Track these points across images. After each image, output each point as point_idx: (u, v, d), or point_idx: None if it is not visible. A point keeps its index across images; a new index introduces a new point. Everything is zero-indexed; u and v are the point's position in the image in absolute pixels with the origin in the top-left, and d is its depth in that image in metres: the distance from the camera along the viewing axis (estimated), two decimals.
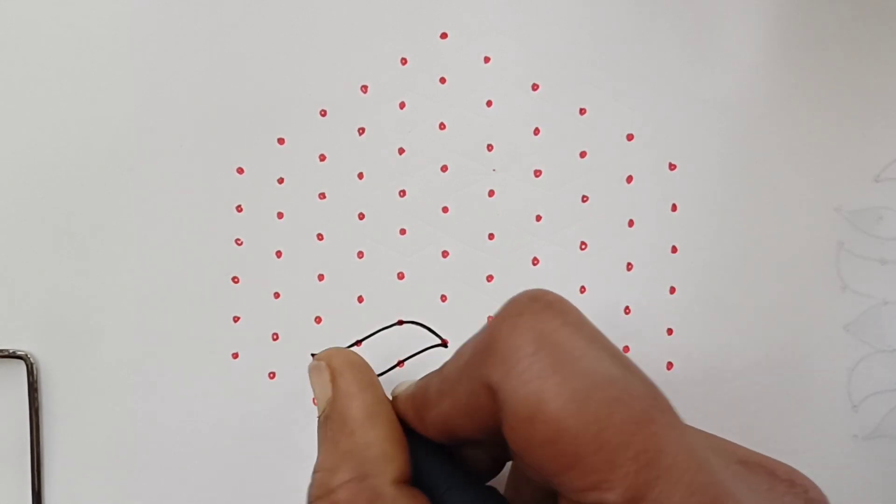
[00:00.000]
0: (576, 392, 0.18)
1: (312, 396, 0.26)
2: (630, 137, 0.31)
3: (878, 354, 0.30)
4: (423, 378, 0.23)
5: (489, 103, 0.31)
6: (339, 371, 0.24)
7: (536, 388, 0.18)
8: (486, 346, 0.20)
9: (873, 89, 0.30)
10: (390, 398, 0.24)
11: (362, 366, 0.24)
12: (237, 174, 0.31)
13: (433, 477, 0.22)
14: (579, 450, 0.17)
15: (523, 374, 0.18)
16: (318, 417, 0.24)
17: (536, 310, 0.20)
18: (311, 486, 0.22)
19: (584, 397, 0.18)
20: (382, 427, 0.22)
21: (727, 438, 0.22)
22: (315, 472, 0.22)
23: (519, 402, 0.18)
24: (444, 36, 0.31)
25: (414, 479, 0.22)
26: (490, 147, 0.31)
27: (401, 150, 0.31)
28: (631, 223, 0.31)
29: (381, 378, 0.31)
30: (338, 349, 0.25)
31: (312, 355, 0.25)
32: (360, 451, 0.22)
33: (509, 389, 0.19)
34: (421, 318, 0.31)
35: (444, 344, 0.31)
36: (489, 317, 0.20)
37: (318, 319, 0.31)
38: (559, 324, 0.19)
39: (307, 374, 0.25)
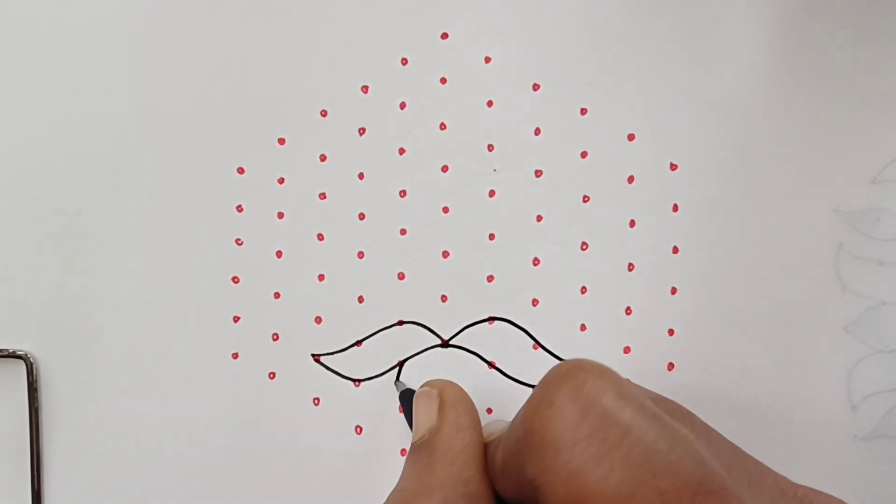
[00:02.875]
0: (621, 484, 0.17)
1: (406, 415, 0.26)
2: (631, 138, 0.31)
3: (877, 355, 0.31)
4: (496, 436, 0.23)
5: (490, 103, 0.31)
6: (451, 403, 0.24)
7: (578, 485, 0.17)
8: (523, 438, 0.19)
9: (872, 91, 0.30)
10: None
11: (471, 404, 0.24)
12: (237, 174, 0.31)
13: None
14: None
15: (562, 471, 0.17)
16: (414, 442, 0.24)
17: (570, 393, 0.18)
18: None
19: (629, 494, 0.17)
20: (478, 467, 0.22)
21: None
22: (397, 491, 0.22)
23: (559, 501, 0.17)
24: (444, 36, 0.31)
25: None
26: (491, 147, 0.31)
27: (401, 151, 0.31)
28: (632, 223, 0.31)
29: (380, 379, 0.31)
30: (450, 382, 0.25)
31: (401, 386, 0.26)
32: (456, 485, 0.21)
33: (549, 487, 0.18)
34: (421, 318, 0.31)
35: (445, 344, 0.31)
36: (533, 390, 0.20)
37: (318, 319, 0.31)
38: (597, 405, 0.18)
39: (416, 399, 0.25)
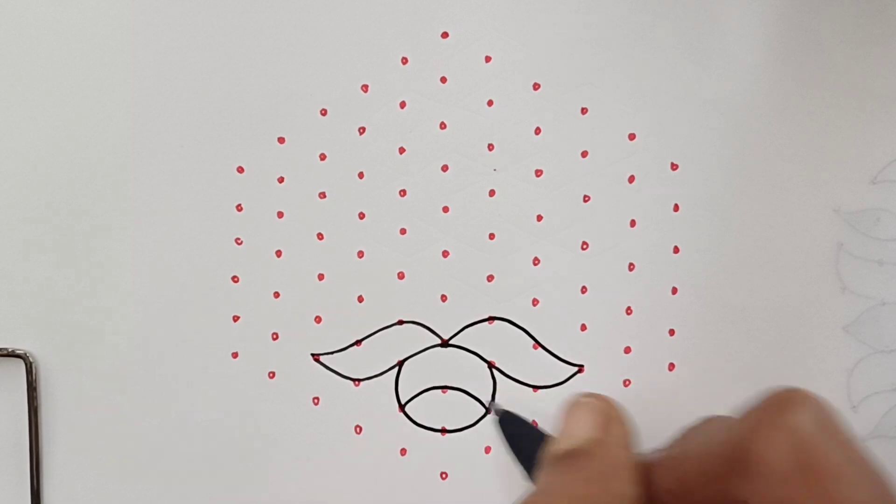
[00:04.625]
0: None
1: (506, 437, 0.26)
2: (632, 137, 0.31)
3: (876, 355, 0.31)
4: (654, 454, 0.23)
5: (490, 103, 0.31)
6: (617, 419, 0.24)
7: None
8: (737, 458, 0.19)
9: (872, 91, 0.30)
10: None
11: (632, 424, 0.24)
12: (237, 174, 0.31)
13: None
14: None
15: (784, 499, 0.17)
16: (562, 450, 0.23)
17: (794, 419, 0.18)
18: None
19: None
20: (636, 489, 0.22)
21: None
22: (542, 495, 0.22)
23: None
24: (444, 35, 0.31)
25: None
26: (491, 147, 0.31)
27: (401, 150, 0.31)
28: (633, 223, 0.31)
29: (382, 379, 0.31)
30: (613, 399, 0.25)
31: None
32: (613, 500, 0.21)
33: None
34: (421, 318, 0.31)
35: (445, 344, 0.31)
36: (737, 417, 0.20)
37: (318, 319, 0.31)
38: (819, 438, 0.18)
39: (571, 407, 0.25)
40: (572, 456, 0.22)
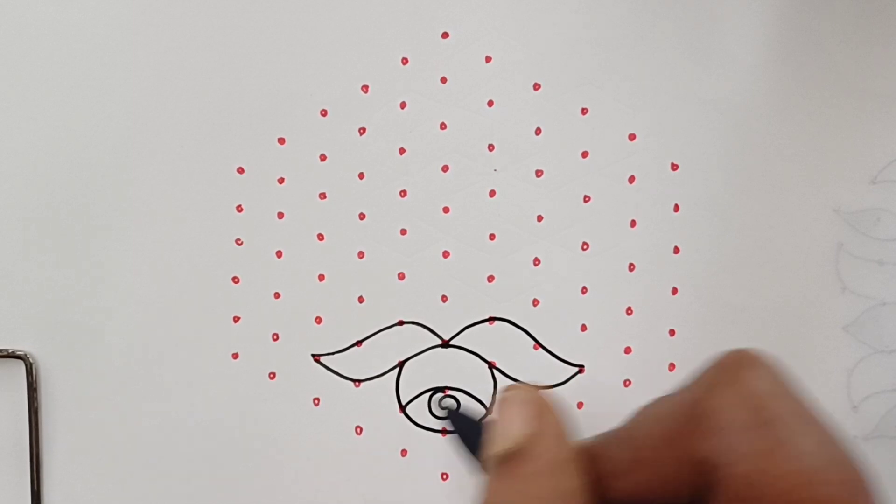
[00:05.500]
0: (800, 474, 0.17)
1: (459, 433, 0.26)
2: (632, 137, 0.31)
3: (876, 355, 0.31)
4: (600, 437, 0.22)
5: (490, 103, 0.31)
6: (549, 409, 0.22)
7: (760, 466, 0.17)
8: (694, 416, 0.19)
9: (872, 91, 0.30)
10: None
11: (565, 412, 0.23)
12: (237, 174, 0.31)
13: None
14: None
15: (743, 451, 0.17)
16: (500, 451, 0.22)
17: (749, 377, 0.19)
18: None
19: (807, 481, 0.17)
20: (581, 479, 0.21)
21: None
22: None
23: (740, 481, 0.17)
24: (445, 35, 0.31)
25: None
26: (491, 147, 0.31)
27: (401, 150, 0.31)
28: (633, 223, 0.31)
29: (382, 380, 0.31)
30: (542, 387, 0.24)
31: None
32: (555, 497, 0.21)
33: (728, 467, 0.18)
34: (421, 318, 0.31)
35: (445, 344, 0.31)
36: (687, 379, 0.20)
37: (318, 319, 0.31)
38: (771, 394, 0.18)
39: (499, 404, 0.24)
40: (511, 457, 0.22)
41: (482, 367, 0.31)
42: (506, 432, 0.22)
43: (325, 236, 0.31)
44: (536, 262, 0.31)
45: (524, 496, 0.21)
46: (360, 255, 0.31)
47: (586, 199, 0.31)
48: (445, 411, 0.29)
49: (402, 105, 0.31)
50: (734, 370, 0.19)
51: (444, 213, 0.31)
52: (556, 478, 0.21)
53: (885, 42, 0.30)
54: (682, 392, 0.20)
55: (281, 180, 0.31)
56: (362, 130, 0.31)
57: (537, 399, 0.23)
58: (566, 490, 0.21)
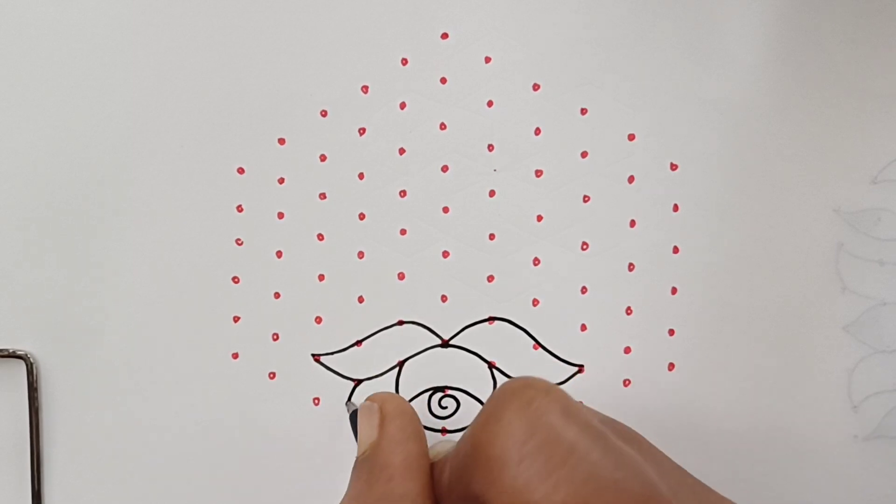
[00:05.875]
0: (566, 501, 0.17)
1: (355, 434, 0.26)
2: (631, 137, 0.31)
3: (877, 355, 0.31)
4: (449, 451, 0.23)
5: (490, 103, 0.31)
6: (390, 417, 0.24)
7: (524, 501, 0.17)
8: (470, 454, 0.19)
9: (872, 91, 0.30)
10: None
11: (412, 416, 0.24)
12: (237, 174, 0.31)
13: None
14: None
15: (507, 487, 0.17)
16: (357, 457, 0.23)
17: (518, 409, 0.19)
18: None
19: None
20: (420, 481, 0.22)
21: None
22: None
23: None
24: (444, 36, 0.31)
25: None
26: (491, 147, 0.31)
27: (401, 150, 0.31)
28: (632, 223, 0.31)
29: (382, 379, 0.31)
30: (392, 395, 0.25)
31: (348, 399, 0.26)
32: (394, 500, 0.21)
33: (491, 502, 0.18)
34: (421, 318, 0.31)
35: (445, 344, 0.31)
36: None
37: (318, 319, 0.31)
38: (544, 422, 0.18)
39: (358, 415, 0.25)
40: (362, 463, 0.23)
41: (482, 366, 0.31)
42: (361, 439, 0.24)
43: (325, 236, 0.31)
44: (536, 262, 0.31)
45: (368, 498, 0.22)
46: (360, 255, 0.31)
47: (586, 199, 0.31)
48: (349, 410, 0.30)
49: (402, 105, 0.31)
50: (502, 403, 0.19)
51: (443, 213, 0.31)
52: (391, 483, 0.22)
53: (885, 42, 0.30)
54: (471, 424, 0.20)
55: (281, 180, 0.31)
56: (362, 131, 0.31)
57: (383, 407, 0.23)
58: (401, 494, 0.21)
